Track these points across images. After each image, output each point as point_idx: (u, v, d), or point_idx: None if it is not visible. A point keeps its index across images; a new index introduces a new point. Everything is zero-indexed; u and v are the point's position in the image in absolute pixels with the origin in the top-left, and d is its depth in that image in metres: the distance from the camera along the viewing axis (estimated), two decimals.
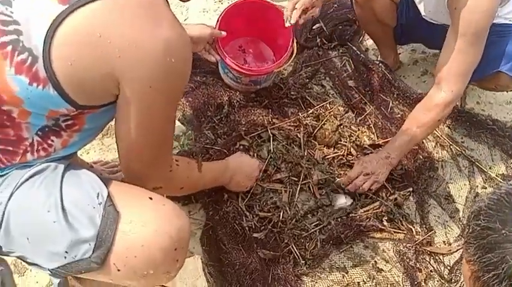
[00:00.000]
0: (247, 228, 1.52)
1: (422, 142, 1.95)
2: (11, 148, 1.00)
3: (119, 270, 0.99)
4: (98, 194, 0.99)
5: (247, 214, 1.57)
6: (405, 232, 1.69)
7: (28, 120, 0.97)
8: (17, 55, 0.90)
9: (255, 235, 1.53)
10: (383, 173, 1.69)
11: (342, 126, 1.91)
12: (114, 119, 1.07)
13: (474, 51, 1.53)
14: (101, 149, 1.70)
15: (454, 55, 1.53)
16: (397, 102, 2.06)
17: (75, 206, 0.98)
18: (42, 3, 0.90)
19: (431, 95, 1.62)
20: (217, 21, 1.72)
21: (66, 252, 0.97)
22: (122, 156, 1.10)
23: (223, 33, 1.66)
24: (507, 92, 1.92)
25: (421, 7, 1.75)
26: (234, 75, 1.84)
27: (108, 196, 1.00)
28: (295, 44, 1.80)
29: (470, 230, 0.68)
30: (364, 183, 1.68)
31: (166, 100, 1.02)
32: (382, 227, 1.69)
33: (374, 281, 1.58)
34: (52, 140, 1.03)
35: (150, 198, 1.04)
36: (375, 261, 1.63)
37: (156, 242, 0.99)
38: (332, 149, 1.86)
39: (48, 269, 1.01)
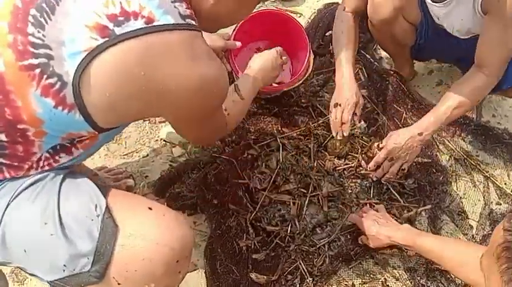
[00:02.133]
0: (244, 248, 1.47)
1: (436, 155, 1.90)
2: (16, 163, 0.98)
3: (119, 284, 0.97)
4: (96, 205, 0.97)
5: (251, 231, 1.53)
6: None
7: (42, 139, 0.96)
8: (45, 79, 0.89)
9: (254, 255, 1.49)
10: (413, 152, 1.66)
11: (353, 137, 1.85)
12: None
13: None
14: (106, 155, 1.68)
15: (494, 44, 1.56)
16: (410, 113, 2.01)
17: (73, 218, 0.96)
18: (79, 32, 0.88)
19: (474, 78, 1.62)
20: (234, 30, 1.69)
21: (64, 265, 0.95)
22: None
23: (238, 44, 1.65)
24: None
25: (446, 24, 1.72)
26: None
27: (107, 207, 0.98)
28: (312, 58, 1.76)
29: None
30: (391, 167, 1.66)
31: (211, 112, 1.11)
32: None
33: None
34: (61, 157, 1.02)
35: (150, 208, 1.01)
36: (385, 278, 1.58)
37: (157, 255, 0.96)
38: (343, 160, 1.81)
39: (48, 282, 0.99)
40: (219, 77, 1.00)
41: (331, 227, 1.62)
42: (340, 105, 1.76)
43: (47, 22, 0.89)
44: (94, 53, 0.87)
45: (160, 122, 1.80)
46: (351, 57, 1.82)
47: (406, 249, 1.58)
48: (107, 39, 0.87)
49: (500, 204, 1.82)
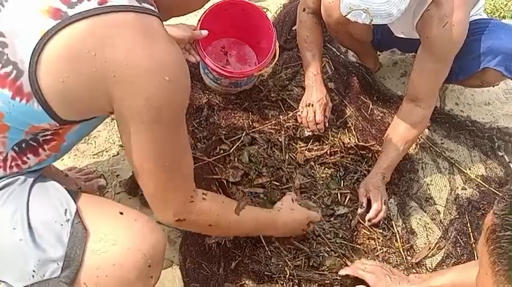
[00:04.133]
0: (214, 245, 1.46)
1: None
2: None
3: None
4: (66, 210, 0.95)
5: None
6: (387, 236, 1.69)
7: (5, 135, 0.93)
8: (0, 68, 0.86)
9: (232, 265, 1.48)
10: (385, 196, 1.74)
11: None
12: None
13: (445, 71, 1.68)
14: (75, 156, 1.65)
15: (428, 76, 1.67)
16: (376, 105, 2.06)
17: (42, 223, 0.94)
18: (32, 17, 0.86)
19: (412, 115, 1.74)
20: (199, 21, 1.68)
21: (33, 271, 0.93)
22: (135, 175, 1.05)
23: (204, 33, 1.61)
24: (493, 86, 1.93)
25: (392, 29, 1.79)
26: (214, 77, 1.80)
27: (77, 212, 0.96)
28: (277, 46, 1.77)
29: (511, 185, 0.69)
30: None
31: (168, 119, 0.95)
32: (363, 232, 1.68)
33: None
34: (28, 158, 1.00)
35: (121, 213, 1.00)
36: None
37: (129, 261, 0.95)
38: (314, 147, 1.84)
39: None
40: (177, 64, 0.93)
41: None
42: (312, 105, 1.81)
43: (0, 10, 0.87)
44: (47, 37, 0.84)
45: None
46: (317, 58, 1.88)
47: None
48: (59, 21, 0.85)
49: (466, 189, 1.89)
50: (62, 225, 0.94)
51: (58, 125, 0.94)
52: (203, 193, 1.16)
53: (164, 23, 1.02)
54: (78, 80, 0.88)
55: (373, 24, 1.85)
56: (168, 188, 1.04)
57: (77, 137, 1.08)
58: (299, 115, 1.86)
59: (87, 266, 0.94)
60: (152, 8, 0.94)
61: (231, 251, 1.49)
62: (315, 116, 1.82)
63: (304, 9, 1.87)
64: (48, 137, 0.99)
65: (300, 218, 1.48)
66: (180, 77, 0.94)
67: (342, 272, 1.49)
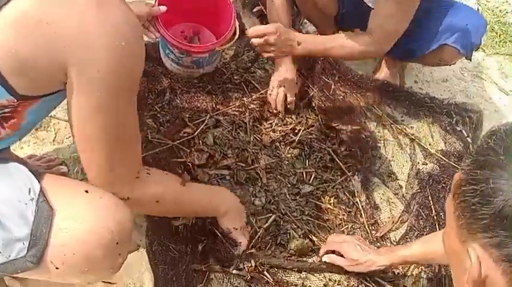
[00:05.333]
0: (181, 227, 1.46)
1: (365, 122, 1.99)
2: None
3: (57, 268, 0.94)
4: (30, 189, 0.94)
5: None
6: (352, 211, 1.73)
7: None
8: None
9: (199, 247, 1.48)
10: (283, 52, 1.70)
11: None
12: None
13: (402, 16, 1.65)
14: (35, 143, 1.61)
15: (388, 17, 1.64)
16: (339, 84, 2.08)
17: (6, 203, 0.92)
18: None
19: (363, 39, 1.71)
20: None
21: None
22: (79, 151, 1.01)
23: (163, 8, 1.58)
24: (450, 65, 1.99)
25: None
26: (175, 56, 1.78)
27: (41, 190, 0.94)
28: (237, 25, 1.77)
29: (479, 144, 0.71)
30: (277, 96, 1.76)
31: (120, 88, 0.93)
32: (329, 208, 1.71)
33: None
34: None
35: (86, 191, 0.99)
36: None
37: (95, 238, 0.94)
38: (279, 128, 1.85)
39: None
40: (132, 29, 0.92)
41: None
42: (284, 86, 1.83)
43: None
44: None
45: None
46: None
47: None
48: None
49: (426, 164, 1.94)
50: (26, 204, 0.93)
51: (16, 100, 0.92)
52: (147, 169, 1.15)
53: None
54: (32, 50, 0.86)
55: None
56: (116, 163, 1.02)
57: (37, 117, 1.06)
58: (269, 94, 1.86)
59: (53, 244, 0.93)
60: None
61: (197, 233, 1.49)
62: (286, 97, 1.83)
63: None
64: (7, 114, 0.96)
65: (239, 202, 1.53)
66: (135, 42, 0.93)
67: (323, 256, 1.53)
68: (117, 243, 0.97)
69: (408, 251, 1.40)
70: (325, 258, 1.51)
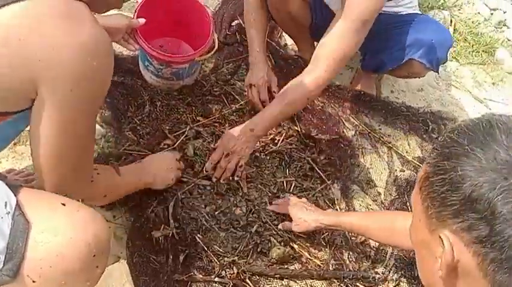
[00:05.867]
0: (161, 238, 1.47)
1: (343, 132, 2.03)
2: None
3: (34, 281, 0.93)
4: (6, 203, 0.93)
5: (171, 221, 1.53)
6: None
7: None
8: None
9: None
10: (248, 147, 1.65)
11: None
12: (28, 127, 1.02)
13: (356, 39, 1.57)
14: (13, 158, 1.60)
15: (338, 39, 1.57)
16: None
17: None
18: None
19: (307, 73, 1.62)
20: (135, 11, 1.68)
21: None
22: (37, 167, 1.04)
23: (142, 21, 1.60)
24: (419, 77, 2.03)
25: (331, 7, 1.84)
26: (155, 68, 1.79)
27: (17, 204, 0.94)
28: (216, 36, 1.80)
29: (442, 138, 0.74)
30: (228, 163, 1.65)
31: (87, 104, 0.98)
32: None
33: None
34: None
35: (63, 204, 0.98)
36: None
37: (72, 251, 0.94)
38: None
39: None
40: (101, 48, 0.94)
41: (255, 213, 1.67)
42: (254, 85, 1.84)
43: None
44: None
45: None
46: (262, 38, 1.91)
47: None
48: None
49: (404, 171, 1.98)
50: (2, 218, 0.92)
51: None
52: (96, 169, 1.21)
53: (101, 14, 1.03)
54: (2, 66, 0.87)
55: (310, 4, 1.92)
56: (79, 171, 1.08)
57: (11, 132, 1.06)
58: (246, 96, 1.88)
59: (30, 258, 0.92)
60: None
61: (178, 243, 1.49)
62: (260, 95, 1.85)
63: None
64: None
65: (161, 155, 1.62)
66: (106, 61, 0.96)
67: (271, 207, 1.67)
68: (94, 256, 0.97)
69: (350, 218, 1.53)
70: (280, 226, 1.63)
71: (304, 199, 1.68)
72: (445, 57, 1.87)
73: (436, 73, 1.98)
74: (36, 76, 0.89)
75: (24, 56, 0.87)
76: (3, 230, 0.91)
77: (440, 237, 0.71)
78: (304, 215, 1.58)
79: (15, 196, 0.96)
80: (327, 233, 1.70)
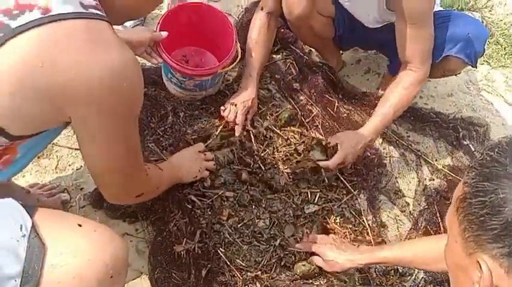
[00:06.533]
0: (183, 252, 1.45)
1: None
2: None
3: None
4: (21, 226, 0.92)
5: (197, 235, 1.51)
6: (358, 230, 1.70)
7: None
8: None
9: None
10: (361, 154, 1.74)
11: (287, 126, 1.91)
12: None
13: (427, 32, 1.65)
14: (37, 171, 1.61)
15: (411, 40, 1.64)
16: (342, 102, 2.08)
17: None
18: None
19: (405, 77, 1.71)
20: (158, 23, 1.68)
21: None
22: (97, 182, 1.11)
23: (164, 34, 1.61)
24: (456, 75, 1.96)
25: (360, 18, 1.80)
26: (178, 80, 1.79)
27: (33, 226, 0.93)
28: (238, 46, 1.78)
29: (481, 157, 0.72)
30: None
31: (125, 121, 1.00)
32: (334, 227, 1.68)
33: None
34: None
35: (80, 225, 0.97)
36: None
37: (90, 272, 0.93)
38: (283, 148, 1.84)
39: None
40: (131, 71, 0.94)
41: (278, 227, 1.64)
42: (235, 105, 1.81)
43: None
44: None
45: None
46: (259, 64, 1.88)
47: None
48: (1, 34, 0.83)
49: (433, 179, 1.91)
50: (18, 241, 0.91)
51: (9, 141, 0.92)
52: (146, 165, 1.26)
53: (122, 26, 1.01)
54: (26, 93, 0.86)
55: (334, 19, 1.88)
56: (133, 175, 1.15)
57: (31, 151, 1.05)
58: (222, 110, 1.83)
59: (46, 280, 0.91)
60: (99, 12, 0.93)
61: (200, 258, 1.47)
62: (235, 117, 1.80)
63: (262, 8, 1.87)
64: (1, 154, 0.96)
65: (185, 150, 1.64)
66: (135, 79, 0.95)
67: (298, 245, 1.58)
68: (111, 276, 0.96)
69: (388, 252, 1.41)
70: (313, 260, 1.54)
71: (332, 235, 1.61)
72: (482, 51, 1.80)
73: (475, 68, 1.93)
74: (64, 102, 0.89)
75: (49, 82, 0.86)
76: (19, 254, 0.90)
77: (478, 262, 0.68)
78: (334, 255, 1.49)
79: (31, 217, 0.95)
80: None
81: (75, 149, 1.69)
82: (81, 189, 1.60)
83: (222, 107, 1.83)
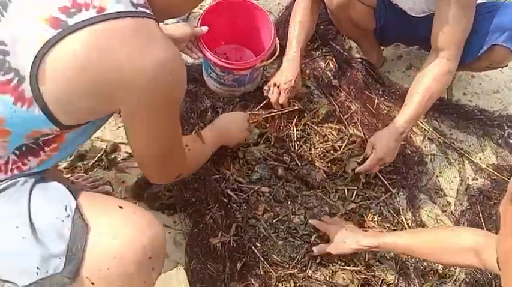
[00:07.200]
0: (219, 245, 1.48)
1: (410, 137, 1.93)
2: None
3: (92, 283, 0.97)
4: (66, 206, 0.97)
5: (233, 228, 1.54)
6: (397, 229, 1.67)
7: (6, 139, 0.96)
8: (2, 75, 0.89)
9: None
10: (397, 150, 1.70)
11: (325, 123, 1.91)
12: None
13: (467, 19, 1.59)
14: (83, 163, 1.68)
15: (449, 25, 1.58)
16: (382, 98, 2.04)
17: (43, 220, 0.96)
18: (33, 26, 0.89)
19: (435, 66, 1.64)
20: (199, 19, 1.72)
21: (37, 268, 0.94)
22: (139, 163, 1.18)
23: (205, 29, 1.66)
24: (502, 68, 1.87)
25: (401, 5, 1.76)
26: (217, 75, 1.82)
27: (77, 207, 0.97)
28: (277, 42, 1.79)
29: None
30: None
31: (169, 111, 1.06)
32: (372, 226, 1.66)
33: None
34: (29, 160, 1.02)
35: (120, 207, 1.01)
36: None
37: (129, 253, 0.96)
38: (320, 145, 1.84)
39: (21, 286, 0.99)
40: (176, 66, 0.99)
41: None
42: (278, 86, 1.79)
43: (0, 19, 0.90)
44: (49, 45, 0.87)
45: None
46: (302, 40, 1.84)
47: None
48: (60, 30, 0.88)
49: (477, 179, 1.85)
50: (62, 221, 0.96)
51: (59, 130, 0.97)
52: (186, 146, 1.31)
53: (164, 22, 1.05)
54: (81, 86, 0.91)
55: (375, 9, 1.85)
56: (173, 160, 1.22)
57: (78, 141, 1.11)
58: (265, 91, 1.83)
59: (88, 260, 0.95)
60: (147, 11, 0.97)
61: (236, 251, 1.49)
62: (279, 98, 1.80)
63: None
64: (49, 139, 1.02)
65: (232, 114, 1.71)
66: (179, 72, 1.00)
67: (311, 221, 1.60)
68: (150, 258, 0.99)
69: (393, 238, 1.39)
70: (315, 250, 1.53)
71: (349, 223, 1.58)
72: None
73: None
74: (114, 95, 0.94)
75: (100, 76, 0.90)
76: (64, 233, 0.95)
77: None
78: (342, 236, 1.49)
79: (75, 199, 1.00)
80: None
81: (119, 143, 1.75)
82: (123, 182, 1.66)
83: (265, 87, 1.84)
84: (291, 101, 1.86)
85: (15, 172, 1.02)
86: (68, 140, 1.05)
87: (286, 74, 1.81)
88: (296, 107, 1.88)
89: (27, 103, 0.90)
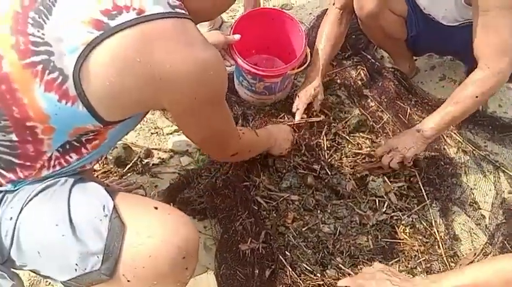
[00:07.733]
0: (248, 251, 1.48)
1: (444, 148, 1.90)
2: (28, 163, 1.03)
3: (128, 281, 1.00)
4: (104, 206, 1.00)
5: (262, 235, 1.54)
6: (429, 242, 1.64)
7: (51, 136, 1.00)
8: (47, 74, 0.93)
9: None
10: (414, 147, 1.66)
11: (356, 132, 1.91)
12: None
13: (504, 25, 1.48)
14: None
15: (485, 33, 1.51)
16: (415, 109, 2.02)
17: (83, 219, 0.99)
18: (76, 28, 0.93)
19: (473, 76, 1.57)
20: (231, 27, 1.74)
21: (76, 265, 0.98)
22: (196, 145, 1.40)
23: (237, 37, 1.69)
24: None
25: (433, 15, 1.74)
26: (248, 83, 1.84)
27: (114, 207, 1.01)
28: (308, 51, 1.80)
29: None
30: (391, 160, 1.68)
31: (213, 103, 1.11)
32: (404, 238, 1.64)
33: None
34: (71, 156, 1.07)
35: (156, 207, 1.04)
36: None
37: (163, 252, 0.99)
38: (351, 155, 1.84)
39: (61, 282, 1.03)
40: (216, 62, 1.03)
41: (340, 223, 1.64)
42: (298, 96, 1.84)
43: (45, 22, 0.94)
44: (91, 46, 0.92)
45: (167, 134, 1.85)
46: (326, 52, 1.87)
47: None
48: (102, 31, 0.92)
49: None
50: (100, 220, 1.00)
51: (101, 126, 1.01)
52: (241, 130, 1.43)
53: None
54: (124, 85, 0.95)
55: (406, 19, 1.84)
56: (229, 139, 1.32)
57: (118, 136, 1.16)
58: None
59: (125, 258, 0.98)
60: (184, 11, 1.01)
61: (265, 258, 1.49)
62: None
63: (333, 3, 1.87)
64: (91, 137, 1.06)
65: (282, 126, 1.79)
66: (219, 69, 1.05)
67: (341, 283, 1.33)
68: (184, 258, 1.01)
69: (459, 278, 1.11)
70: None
71: (381, 266, 1.29)
72: None
73: None
74: (158, 93, 0.99)
75: (144, 76, 0.95)
76: (102, 232, 0.99)
77: None
78: None
79: (112, 199, 1.03)
80: (423, 258, 1.60)
81: (153, 149, 1.79)
82: (156, 186, 1.69)
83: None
84: (314, 111, 1.88)
85: (57, 167, 1.06)
86: (108, 138, 1.09)
87: (307, 84, 1.85)
88: (320, 118, 1.89)
89: (71, 101, 0.95)
